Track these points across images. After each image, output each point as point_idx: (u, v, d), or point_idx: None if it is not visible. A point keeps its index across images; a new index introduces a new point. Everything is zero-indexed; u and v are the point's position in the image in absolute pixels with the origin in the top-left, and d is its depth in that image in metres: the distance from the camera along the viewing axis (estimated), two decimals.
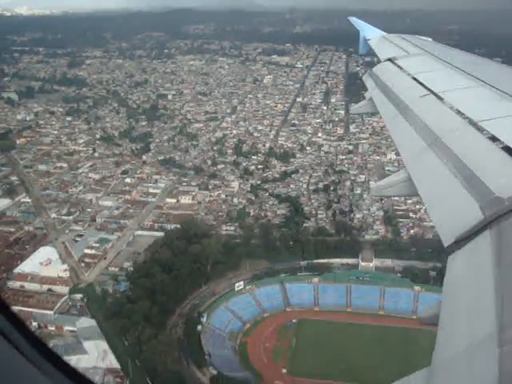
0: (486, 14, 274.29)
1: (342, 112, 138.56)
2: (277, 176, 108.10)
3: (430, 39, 15.61)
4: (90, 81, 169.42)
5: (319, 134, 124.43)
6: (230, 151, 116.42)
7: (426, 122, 7.24)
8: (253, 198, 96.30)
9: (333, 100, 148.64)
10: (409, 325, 69.12)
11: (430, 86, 8.78)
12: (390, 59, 12.20)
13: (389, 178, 7.00)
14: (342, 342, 64.68)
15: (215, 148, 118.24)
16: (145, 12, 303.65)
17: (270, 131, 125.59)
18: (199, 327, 64.41)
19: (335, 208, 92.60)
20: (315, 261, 76.58)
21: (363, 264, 76.08)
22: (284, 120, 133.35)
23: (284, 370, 61.11)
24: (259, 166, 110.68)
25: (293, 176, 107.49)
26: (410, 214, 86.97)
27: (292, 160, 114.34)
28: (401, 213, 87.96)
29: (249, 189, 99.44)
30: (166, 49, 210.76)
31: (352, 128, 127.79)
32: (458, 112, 7.14)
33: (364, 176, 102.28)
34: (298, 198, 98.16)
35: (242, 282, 72.08)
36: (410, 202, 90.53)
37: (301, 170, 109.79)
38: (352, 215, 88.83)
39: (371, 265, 75.95)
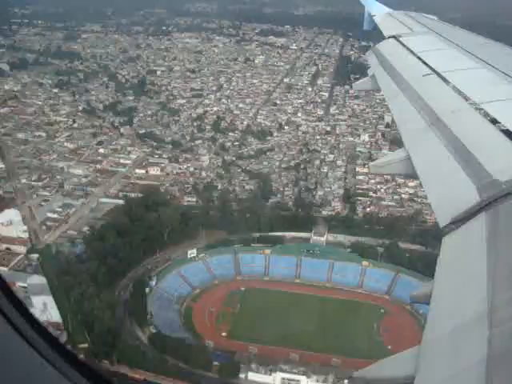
0: (492, 3, 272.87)
1: (326, 94, 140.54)
2: (252, 153, 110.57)
3: (436, 18, 15.57)
4: (84, 55, 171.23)
5: (299, 114, 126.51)
6: (208, 127, 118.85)
7: (427, 101, 7.24)
8: (222, 172, 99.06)
9: (319, 82, 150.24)
10: (352, 297, 72.32)
11: (433, 65, 8.78)
12: (394, 36, 12.08)
13: (388, 157, 7.33)
14: (286, 310, 67.33)
15: (195, 124, 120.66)
16: None
17: (251, 109, 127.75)
18: (147, 290, 67.65)
19: (301, 185, 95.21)
20: (270, 233, 79.37)
21: (315, 238, 78.82)
22: (267, 99, 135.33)
23: (224, 334, 64.19)
24: (235, 143, 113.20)
25: (268, 154, 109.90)
26: (370, 193, 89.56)
27: (269, 138, 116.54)
28: (361, 191, 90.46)
29: (220, 164, 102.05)
30: (164, 26, 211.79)
31: (332, 110, 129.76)
32: (460, 93, 7.19)
33: (333, 156, 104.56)
34: (269, 174, 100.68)
35: (194, 250, 75.03)
36: (372, 181, 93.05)
37: (276, 149, 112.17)
38: (314, 192, 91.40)
39: (322, 239, 78.65)
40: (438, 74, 8.25)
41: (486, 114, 6.12)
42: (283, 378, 55.62)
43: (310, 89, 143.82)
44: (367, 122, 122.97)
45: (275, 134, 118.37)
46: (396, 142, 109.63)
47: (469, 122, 6.25)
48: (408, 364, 3.11)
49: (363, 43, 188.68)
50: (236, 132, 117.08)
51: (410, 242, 76.83)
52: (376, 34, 15.23)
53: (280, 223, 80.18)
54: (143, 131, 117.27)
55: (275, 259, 76.20)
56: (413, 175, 5.94)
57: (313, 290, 72.73)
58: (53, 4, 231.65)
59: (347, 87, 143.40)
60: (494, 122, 5.83)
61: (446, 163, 5.35)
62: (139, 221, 74.70)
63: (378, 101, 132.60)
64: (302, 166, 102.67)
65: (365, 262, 74.96)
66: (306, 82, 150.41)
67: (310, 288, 73.00)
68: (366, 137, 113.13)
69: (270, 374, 55.80)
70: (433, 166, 5.74)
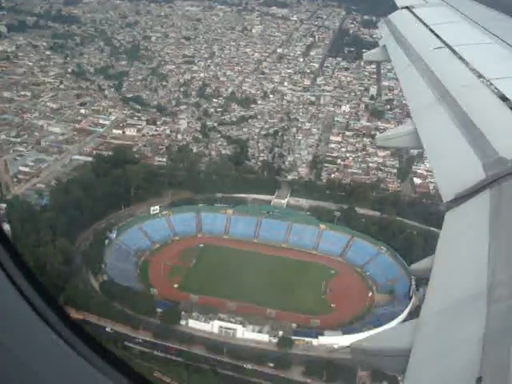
0: None
1: (317, 65, 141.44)
2: (234, 119, 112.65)
3: None
4: (83, 19, 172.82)
5: (285, 84, 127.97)
6: (194, 93, 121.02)
7: (437, 75, 7.15)
8: (200, 136, 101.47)
9: (312, 53, 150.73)
10: (306, 258, 74.90)
11: (445, 38, 8.70)
12: (407, 7, 11.92)
13: (395, 130, 7.42)
14: (239, 267, 69.99)
15: (181, 89, 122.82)
16: None
17: (238, 77, 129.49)
18: (107, 242, 70.84)
19: (275, 151, 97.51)
20: (235, 195, 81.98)
21: (276, 200, 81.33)
22: (256, 68, 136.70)
23: (176, 285, 67.30)
24: (219, 109, 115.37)
25: (249, 121, 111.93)
26: (338, 161, 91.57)
27: (253, 106, 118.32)
28: (330, 159, 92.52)
29: (199, 128, 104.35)
30: None
31: (319, 80, 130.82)
32: (472, 68, 7.07)
33: (310, 124, 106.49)
34: (247, 140, 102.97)
35: (157, 207, 77.81)
36: (343, 149, 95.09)
37: (259, 116, 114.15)
38: (285, 158, 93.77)
39: (283, 202, 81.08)
40: (450, 48, 8.12)
41: (496, 91, 6.00)
42: (220, 326, 58.67)
43: (301, 59, 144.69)
44: (352, 94, 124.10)
45: (259, 102, 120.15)
46: (375, 114, 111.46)
47: (478, 98, 6.13)
48: (406, 336, 3.14)
49: (365, 17, 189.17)
50: (220, 98, 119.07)
51: (368, 207, 78.92)
52: (384, 9, 15.53)
53: (245, 185, 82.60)
54: (131, 95, 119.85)
55: (236, 219, 78.77)
56: (419, 149, 5.99)
57: (269, 249, 75.25)
58: None
59: (339, 59, 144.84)
60: (503, 99, 5.72)
61: (452, 139, 5.28)
62: (106, 177, 77.63)
63: (366, 73, 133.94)
64: (279, 134, 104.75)
65: (322, 225, 77.22)
66: (299, 52, 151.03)
67: (267, 248, 75.57)
68: (346, 107, 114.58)
69: (209, 322, 58.86)
70: (439, 141, 5.70)
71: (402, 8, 12.03)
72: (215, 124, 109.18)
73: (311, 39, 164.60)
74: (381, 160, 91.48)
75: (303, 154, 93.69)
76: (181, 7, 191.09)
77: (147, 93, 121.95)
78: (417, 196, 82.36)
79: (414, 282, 63.53)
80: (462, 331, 2.92)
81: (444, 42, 8.49)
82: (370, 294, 67.13)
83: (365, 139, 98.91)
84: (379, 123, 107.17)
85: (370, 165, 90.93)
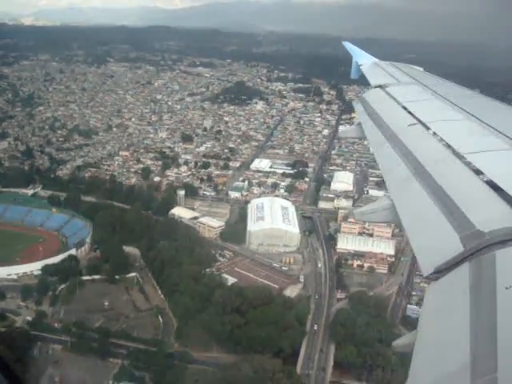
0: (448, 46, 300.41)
1: (179, 106, 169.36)
2: (72, 147, 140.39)
3: (421, 69, 16.81)
4: (11, 77, 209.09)
5: (133, 120, 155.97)
6: (46, 127, 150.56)
7: (412, 151, 7.77)
8: (19, 155, 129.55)
9: (188, 99, 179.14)
10: (29, 232, 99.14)
11: (418, 115, 9.46)
12: (380, 86, 13.08)
13: (372, 205, 7.64)
14: None
15: (40, 125, 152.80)
16: (130, 27, 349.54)
17: (92, 114, 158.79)
18: None
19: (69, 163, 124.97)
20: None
21: (24, 191, 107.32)
22: (116, 109, 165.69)
23: None
24: (61, 139, 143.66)
25: (83, 148, 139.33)
26: (105, 166, 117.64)
27: (94, 137, 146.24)
28: (99, 164, 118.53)
29: (22, 149, 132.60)
30: (109, 57, 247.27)
31: (166, 117, 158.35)
32: (445, 143, 7.71)
33: (114, 145, 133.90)
34: (68, 161, 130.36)
35: None
36: (120, 159, 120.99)
37: (96, 144, 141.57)
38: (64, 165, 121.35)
39: (29, 192, 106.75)
40: (423, 124, 8.85)
41: (469, 165, 6.49)
42: None
43: (170, 103, 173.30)
44: (188, 127, 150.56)
45: (101, 133, 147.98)
46: (185, 139, 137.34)
47: (453, 172, 6.63)
48: None
49: (282, 74, 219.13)
50: (63, 130, 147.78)
51: (95, 196, 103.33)
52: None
53: (7, 181, 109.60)
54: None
55: None
56: (397, 223, 6.35)
57: (6, 226, 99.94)
58: (29, 39, 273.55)
59: (208, 102, 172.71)
60: (477, 172, 6.17)
61: (429, 213, 5.67)
62: None
63: (219, 113, 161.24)
64: (89, 153, 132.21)
65: (54, 209, 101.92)
66: (176, 98, 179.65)
67: (4, 225, 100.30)
68: (163, 134, 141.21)
69: None
70: (417, 216, 6.10)
71: (375, 87, 13.35)
72: (52, 149, 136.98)
73: (203, 89, 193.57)
74: (145, 166, 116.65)
75: (78, 162, 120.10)
76: (108, 67, 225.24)
77: (15, 129, 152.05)
78: (144, 189, 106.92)
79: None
80: None
81: (417, 119, 9.25)
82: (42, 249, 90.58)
83: (150, 154, 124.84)
84: (180, 144, 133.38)
85: (131, 169, 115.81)
